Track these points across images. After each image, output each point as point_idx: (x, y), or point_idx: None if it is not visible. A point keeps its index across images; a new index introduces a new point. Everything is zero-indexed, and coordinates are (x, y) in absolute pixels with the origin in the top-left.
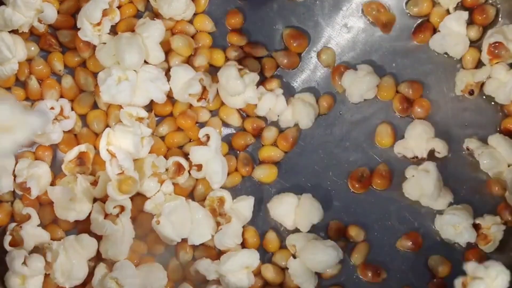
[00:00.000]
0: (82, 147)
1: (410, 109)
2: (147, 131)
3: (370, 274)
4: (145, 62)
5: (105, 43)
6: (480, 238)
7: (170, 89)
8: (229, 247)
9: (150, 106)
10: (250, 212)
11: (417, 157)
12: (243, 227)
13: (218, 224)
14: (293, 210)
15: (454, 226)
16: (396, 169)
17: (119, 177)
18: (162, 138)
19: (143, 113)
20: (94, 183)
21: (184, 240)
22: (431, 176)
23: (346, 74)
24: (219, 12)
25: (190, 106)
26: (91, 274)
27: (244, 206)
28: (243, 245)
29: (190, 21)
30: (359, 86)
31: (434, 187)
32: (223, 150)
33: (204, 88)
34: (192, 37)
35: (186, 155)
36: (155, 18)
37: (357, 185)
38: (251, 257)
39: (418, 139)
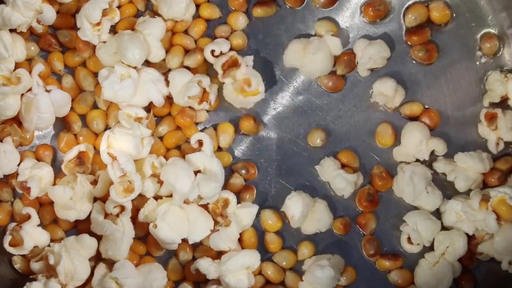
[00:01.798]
0: (82, 147)
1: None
2: (147, 131)
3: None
4: (146, 61)
5: (105, 42)
6: (475, 248)
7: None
8: (223, 250)
9: (148, 107)
10: (251, 221)
11: (419, 160)
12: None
13: (216, 222)
14: (305, 211)
15: (457, 214)
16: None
17: (121, 179)
18: (161, 138)
19: (142, 113)
20: (94, 183)
21: (184, 240)
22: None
23: (358, 41)
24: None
25: (189, 106)
26: (91, 274)
27: (246, 213)
28: (242, 245)
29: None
30: (370, 50)
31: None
32: (227, 161)
33: (204, 90)
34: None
35: (184, 156)
36: (155, 16)
37: (365, 204)
38: (252, 258)
39: (417, 143)
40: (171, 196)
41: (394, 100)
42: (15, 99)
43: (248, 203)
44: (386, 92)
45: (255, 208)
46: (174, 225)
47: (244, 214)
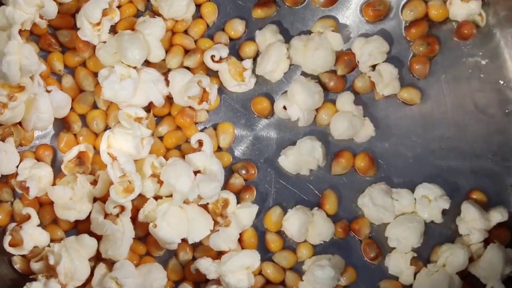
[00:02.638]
0: (82, 147)
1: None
2: (147, 132)
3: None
4: (146, 61)
5: (105, 42)
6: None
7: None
8: (223, 250)
9: (148, 107)
10: (250, 221)
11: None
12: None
13: (216, 222)
14: (303, 228)
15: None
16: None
17: (121, 179)
18: (161, 138)
19: (142, 113)
20: (94, 183)
21: (184, 240)
22: None
23: (356, 40)
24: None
25: (189, 106)
26: (91, 274)
27: (246, 213)
28: (242, 245)
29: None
30: (369, 47)
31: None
32: (227, 161)
33: (204, 90)
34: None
35: (184, 156)
36: (155, 16)
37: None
38: (252, 258)
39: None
40: (171, 196)
41: (386, 87)
42: (21, 106)
43: (248, 203)
44: (384, 74)
45: (255, 208)
46: (174, 225)
47: (244, 214)
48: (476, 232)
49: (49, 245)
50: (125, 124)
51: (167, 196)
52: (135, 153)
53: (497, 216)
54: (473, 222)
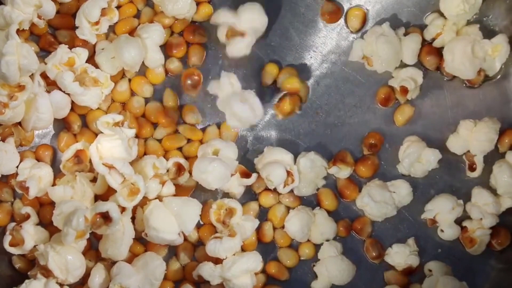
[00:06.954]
0: (79, 145)
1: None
2: (131, 131)
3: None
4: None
5: (103, 49)
6: (466, 241)
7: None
8: (220, 257)
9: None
10: (250, 233)
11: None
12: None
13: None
14: (305, 229)
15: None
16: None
17: (124, 184)
18: (159, 141)
19: (119, 117)
20: (94, 180)
21: (185, 240)
22: None
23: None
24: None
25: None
26: (89, 274)
27: (249, 226)
28: (259, 238)
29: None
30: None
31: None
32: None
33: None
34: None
35: (185, 156)
36: (154, 21)
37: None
38: (255, 261)
39: None
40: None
41: (411, 92)
42: (21, 106)
43: (249, 217)
44: (416, 78)
45: (256, 222)
46: (163, 226)
47: (246, 225)
48: (489, 217)
49: (35, 247)
50: (107, 132)
51: (152, 199)
52: (126, 156)
53: (508, 201)
54: (485, 206)
